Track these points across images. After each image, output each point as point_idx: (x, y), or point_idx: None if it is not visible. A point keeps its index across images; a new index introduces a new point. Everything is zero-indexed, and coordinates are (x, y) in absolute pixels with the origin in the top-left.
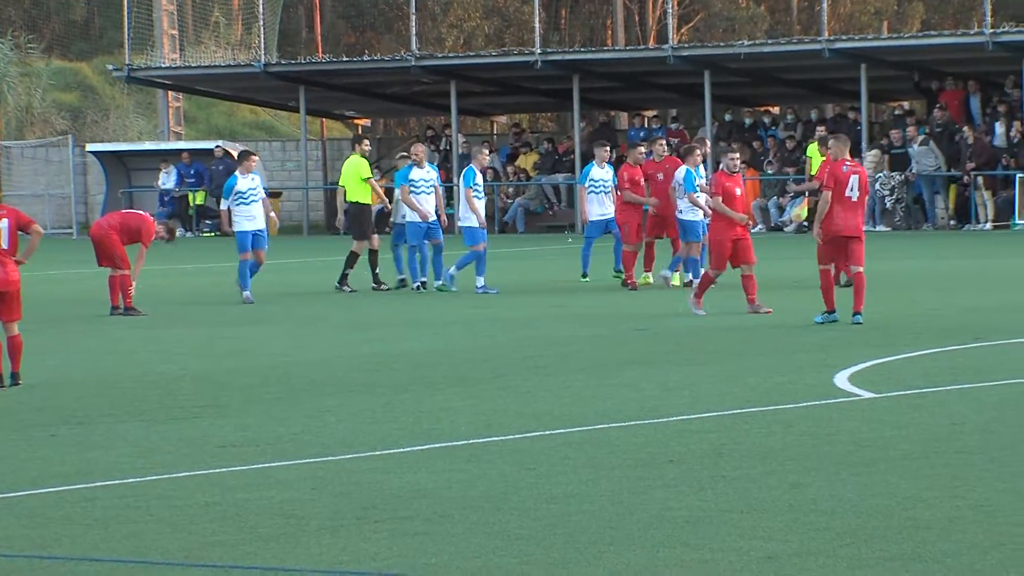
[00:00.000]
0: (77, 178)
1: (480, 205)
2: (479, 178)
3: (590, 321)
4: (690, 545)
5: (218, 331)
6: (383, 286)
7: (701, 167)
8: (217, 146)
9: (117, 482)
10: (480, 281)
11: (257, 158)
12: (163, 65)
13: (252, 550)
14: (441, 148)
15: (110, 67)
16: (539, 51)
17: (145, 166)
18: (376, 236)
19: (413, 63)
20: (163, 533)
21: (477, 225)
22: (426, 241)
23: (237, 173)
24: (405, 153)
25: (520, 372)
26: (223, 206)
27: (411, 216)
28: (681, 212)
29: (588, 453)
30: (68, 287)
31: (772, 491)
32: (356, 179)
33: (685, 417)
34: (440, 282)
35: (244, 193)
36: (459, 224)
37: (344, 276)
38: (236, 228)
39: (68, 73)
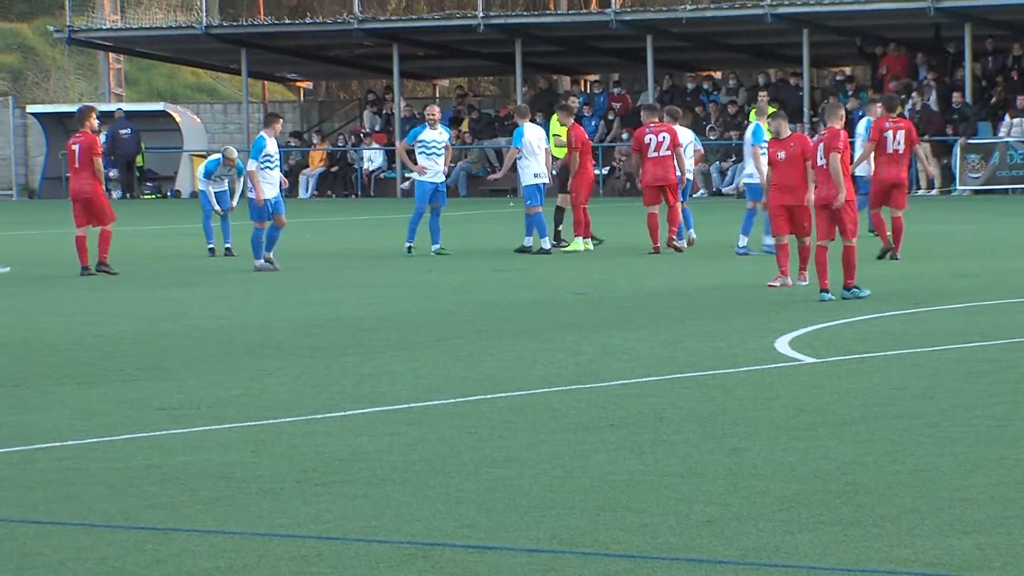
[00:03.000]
0: (17, 140)
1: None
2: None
3: (530, 285)
4: (631, 509)
5: (157, 293)
6: (563, 243)
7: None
8: (118, 108)
9: (56, 444)
10: (743, 241)
11: (282, 120)
12: (104, 27)
13: (192, 513)
14: (383, 112)
15: (51, 28)
16: (481, 15)
17: None
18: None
19: (355, 26)
20: (103, 495)
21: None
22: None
23: (264, 134)
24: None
25: (461, 336)
26: (250, 167)
27: (420, 177)
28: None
29: (529, 417)
30: (7, 248)
31: (712, 455)
32: (564, 136)
33: (626, 381)
34: (438, 246)
35: (271, 156)
36: (745, 181)
37: (557, 233)
38: (253, 195)
39: (8, 34)
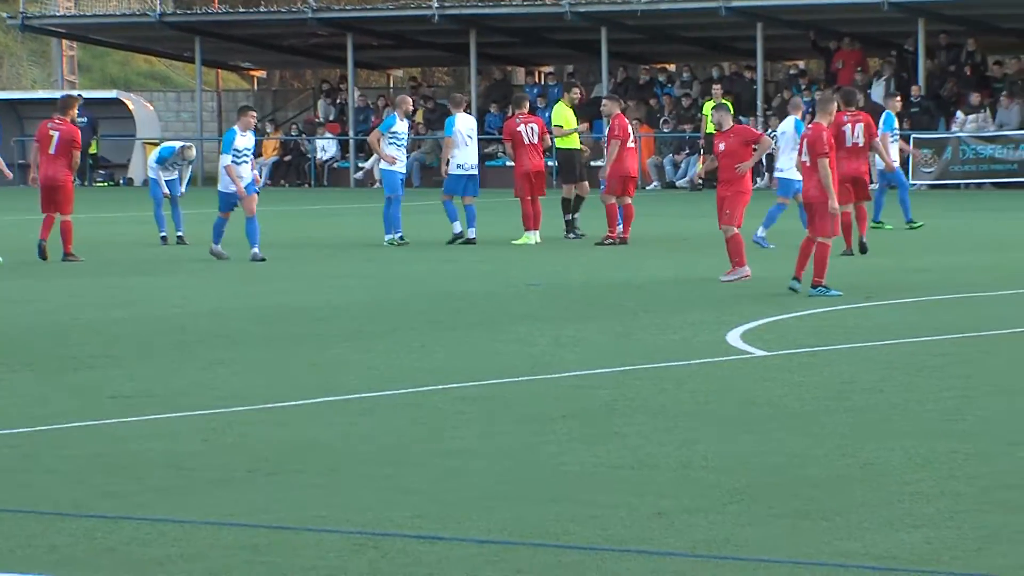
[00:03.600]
0: None
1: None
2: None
3: (484, 276)
4: (582, 500)
5: (110, 281)
6: (576, 232)
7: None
8: (78, 95)
9: (8, 432)
10: (761, 231)
11: (255, 115)
12: (58, 13)
13: (143, 501)
14: (337, 102)
15: (4, 15)
16: (436, 5)
17: (39, 115)
18: (585, 183)
19: (310, 15)
20: (53, 484)
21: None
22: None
23: (236, 128)
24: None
25: (415, 327)
26: (224, 162)
27: (387, 167)
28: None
29: (482, 408)
30: None
31: (663, 448)
32: (566, 125)
33: (578, 373)
34: (399, 234)
35: (241, 151)
36: (776, 176)
37: (569, 222)
38: (223, 188)
39: None
